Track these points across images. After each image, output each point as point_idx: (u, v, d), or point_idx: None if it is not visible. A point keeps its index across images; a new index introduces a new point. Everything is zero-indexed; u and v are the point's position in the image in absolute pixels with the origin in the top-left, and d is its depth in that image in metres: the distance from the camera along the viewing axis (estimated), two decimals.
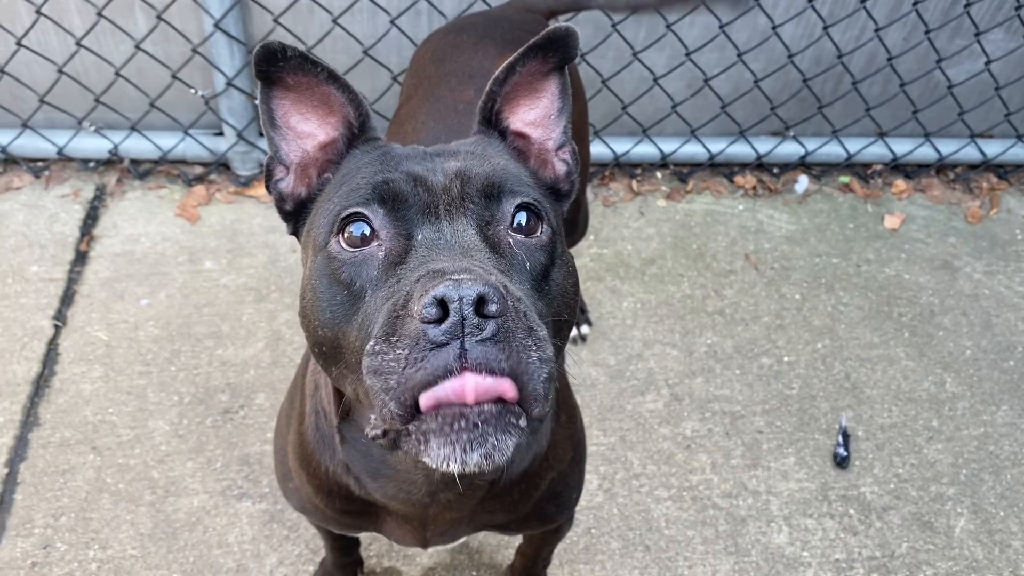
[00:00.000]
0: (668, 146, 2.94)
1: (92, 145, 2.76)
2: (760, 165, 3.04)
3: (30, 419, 2.23)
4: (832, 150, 3.02)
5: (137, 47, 2.48)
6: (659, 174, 3.02)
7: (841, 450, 2.32)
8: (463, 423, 0.78)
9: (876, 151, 3.03)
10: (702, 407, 2.40)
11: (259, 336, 2.44)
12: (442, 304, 0.77)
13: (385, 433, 0.85)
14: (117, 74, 2.55)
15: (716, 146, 2.96)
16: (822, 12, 2.65)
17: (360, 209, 0.94)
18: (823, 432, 2.38)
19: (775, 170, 3.06)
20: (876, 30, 2.70)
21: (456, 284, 0.77)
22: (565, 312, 0.98)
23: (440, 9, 2.53)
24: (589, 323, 2.53)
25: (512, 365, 0.79)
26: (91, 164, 2.82)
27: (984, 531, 2.19)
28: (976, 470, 2.32)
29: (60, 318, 2.44)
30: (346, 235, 0.93)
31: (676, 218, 2.89)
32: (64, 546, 2.03)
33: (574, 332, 2.46)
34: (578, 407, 1.50)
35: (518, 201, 0.95)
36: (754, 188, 3.00)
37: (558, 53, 1.04)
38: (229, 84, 2.58)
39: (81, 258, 2.59)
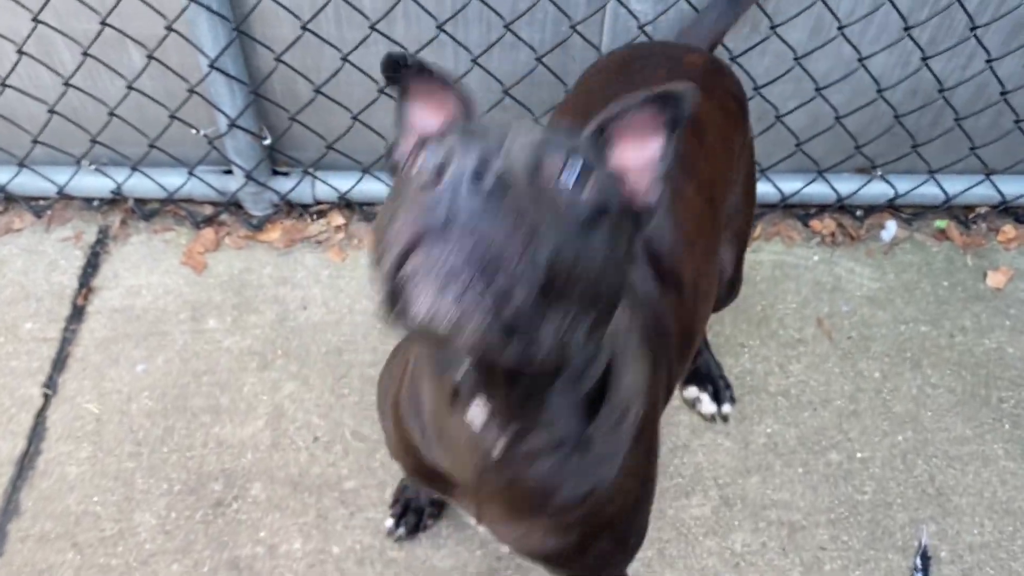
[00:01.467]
0: None
1: (95, 184, 2.54)
2: (842, 207, 2.63)
3: (10, 507, 2.05)
4: (927, 191, 2.59)
5: (129, 87, 2.23)
6: None
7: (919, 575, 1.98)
8: (431, 269, 0.76)
9: (981, 192, 2.59)
10: (756, 514, 2.07)
11: (260, 412, 2.21)
12: (448, 155, 0.77)
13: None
14: (111, 114, 2.30)
15: (790, 185, 2.57)
16: (921, 40, 2.22)
17: (440, 132, 0.95)
18: (898, 550, 2.03)
19: (858, 213, 2.64)
20: (988, 61, 2.25)
21: (463, 151, 0.77)
22: (597, 284, 0.91)
23: (464, 44, 2.19)
24: (732, 399, 2.24)
25: (497, 232, 0.75)
26: (95, 203, 2.61)
27: None
28: None
29: (51, 385, 2.25)
30: (421, 158, 0.91)
31: None
32: None
33: (711, 408, 2.21)
34: (657, 446, 1.45)
35: (573, 151, 0.91)
36: (833, 235, 2.60)
37: (670, 109, 1.00)
38: (232, 125, 2.31)
39: (78, 314, 2.39)
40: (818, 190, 2.58)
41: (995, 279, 2.50)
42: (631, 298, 1.23)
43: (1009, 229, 2.63)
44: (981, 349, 2.38)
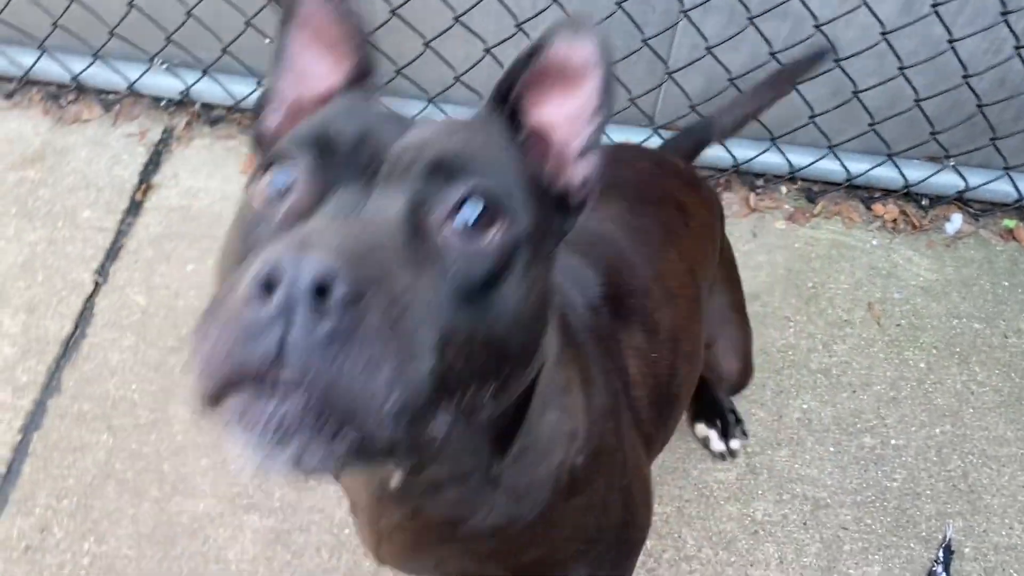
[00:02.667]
0: (799, 158, 2.51)
1: (165, 83, 2.57)
2: (907, 194, 2.57)
3: (52, 384, 2.11)
4: (1000, 187, 2.51)
5: None
6: (784, 189, 2.60)
7: (939, 569, 1.95)
8: (257, 415, 0.60)
9: None
10: (781, 486, 2.06)
11: None
12: (272, 278, 0.59)
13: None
14: (188, 13, 2.32)
15: (857, 166, 2.51)
16: (1017, 28, 2.14)
17: (288, 145, 0.78)
18: (921, 541, 2.00)
19: (924, 202, 2.58)
20: None
21: (300, 250, 0.59)
22: (511, 340, 0.76)
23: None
24: (744, 433, 2.11)
25: (340, 381, 0.59)
26: (163, 103, 2.64)
27: None
28: None
29: (102, 273, 2.29)
30: (268, 180, 0.77)
31: (795, 246, 2.48)
32: (61, 533, 1.91)
33: (720, 446, 2.07)
34: (629, 496, 1.24)
35: (470, 186, 0.74)
36: (895, 221, 2.54)
37: (585, 44, 0.84)
38: None
39: (135, 208, 2.43)
40: (885, 173, 2.52)
41: None
42: (563, 334, 1.06)
43: None
44: None
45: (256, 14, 2.30)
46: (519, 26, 2.20)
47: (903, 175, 2.51)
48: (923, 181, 2.51)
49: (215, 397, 0.63)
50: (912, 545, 2.00)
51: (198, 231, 2.38)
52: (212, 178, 2.50)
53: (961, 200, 2.57)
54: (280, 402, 0.59)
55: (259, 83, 2.50)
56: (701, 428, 2.11)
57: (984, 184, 2.50)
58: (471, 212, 0.74)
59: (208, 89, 2.54)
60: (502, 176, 0.79)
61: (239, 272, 0.65)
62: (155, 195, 2.46)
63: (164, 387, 2.11)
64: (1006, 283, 2.46)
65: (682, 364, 1.50)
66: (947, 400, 2.22)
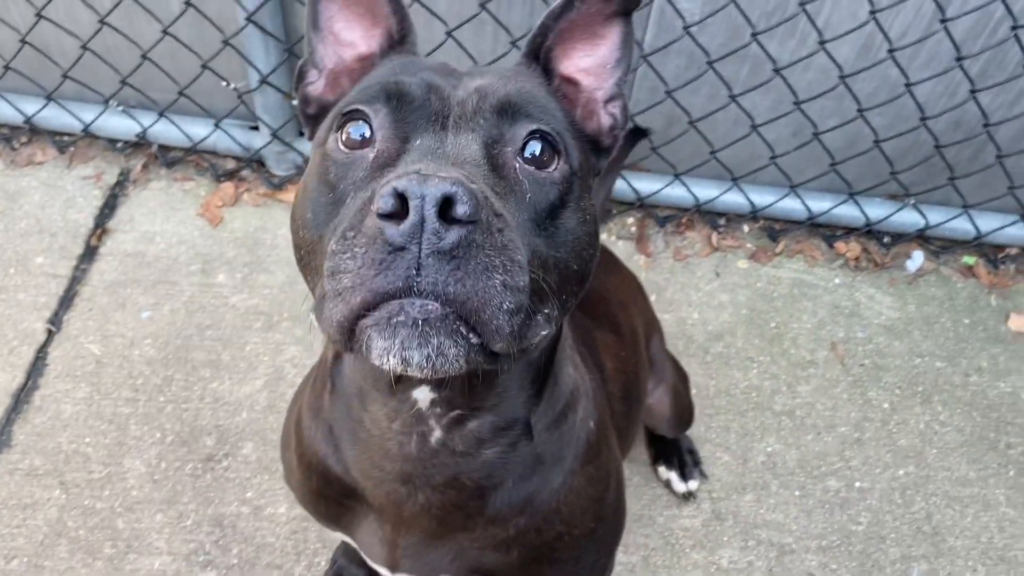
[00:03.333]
0: (761, 198, 2.52)
1: (121, 125, 2.52)
2: (869, 232, 2.58)
3: (2, 438, 2.05)
4: (959, 225, 2.53)
5: (165, 31, 2.21)
6: (746, 228, 2.60)
7: None
8: (403, 319, 0.70)
9: (1013, 232, 2.54)
10: (746, 532, 2.04)
11: (260, 372, 2.19)
12: (402, 199, 0.68)
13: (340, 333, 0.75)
14: (144, 56, 2.28)
15: (819, 204, 2.52)
16: (971, 72, 2.16)
17: (361, 106, 0.86)
18: None
19: (886, 239, 2.59)
20: None
21: (422, 179, 0.68)
22: (574, 261, 0.87)
23: (506, 24, 2.15)
24: (702, 474, 2.11)
25: (469, 288, 0.70)
26: (119, 145, 2.59)
27: None
28: None
29: (55, 322, 2.24)
30: (344, 135, 0.86)
31: (757, 285, 2.48)
32: None
33: (681, 487, 2.06)
34: (619, 473, 1.32)
35: (533, 127, 0.86)
36: (857, 259, 2.55)
37: None
38: (263, 81, 2.28)
39: (90, 253, 2.38)
40: (847, 212, 2.53)
41: (1017, 323, 2.45)
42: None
43: None
44: (995, 392, 2.33)
45: (212, 58, 2.27)
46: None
47: (864, 213, 2.52)
48: (884, 219, 2.52)
49: (357, 318, 0.72)
50: None
51: (154, 277, 2.34)
52: (168, 221, 2.46)
53: (922, 238, 2.59)
54: (422, 306, 0.70)
55: (217, 125, 2.47)
56: (663, 471, 2.10)
57: (944, 222, 2.52)
58: (536, 147, 0.85)
59: (165, 131, 2.50)
60: (554, 117, 0.90)
61: (344, 215, 0.78)
62: (111, 239, 2.41)
63: (118, 440, 2.06)
64: (967, 320, 2.47)
65: (642, 365, 1.61)
66: (911, 441, 2.22)
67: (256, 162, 2.57)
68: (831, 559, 2.02)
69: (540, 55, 0.98)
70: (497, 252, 0.71)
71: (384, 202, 0.68)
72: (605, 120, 1.02)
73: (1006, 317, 2.48)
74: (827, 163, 2.40)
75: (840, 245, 2.57)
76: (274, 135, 2.43)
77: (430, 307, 0.70)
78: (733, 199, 2.52)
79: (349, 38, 1.00)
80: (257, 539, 1.94)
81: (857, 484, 2.14)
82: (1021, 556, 2.06)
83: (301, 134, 2.53)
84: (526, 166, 0.84)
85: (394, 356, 0.71)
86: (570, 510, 1.15)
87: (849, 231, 2.59)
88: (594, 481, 1.19)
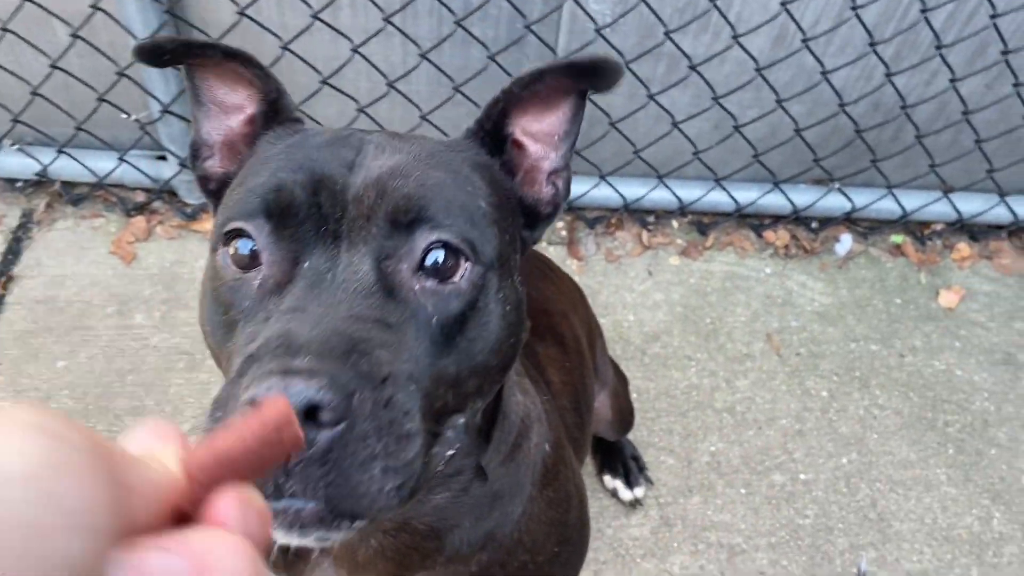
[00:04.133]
0: (688, 192, 2.50)
1: (18, 164, 2.40)
2: (796, 219, 2.58)
3: None
4: (884, 205, 2.55)
5: (53, 65, 2.09)
6: (675, 223, 2.58)
7: None
8: (280, 513, 0.67)
9: (938, 209, 2.56)
10: (696, 536, 2.03)
11: (187, 415, 2.10)
12: None
13: None
14: (34, 93, 2.16)
15: (745, 195, 2.51)
16: (885, 56, 2.16)
17: (242, 224, 0.79)
18: None
19: (814, 225, 2.60)
20: (952, 80, 2.20)
21: (282, 385, 0.62)
22: (493, 359, 0.84)
23: (414, 38, 2.08)
24: (649, 480, 2.08)
25: (343, 487, 0.66)
26: (18, 184, 2.46)
27: None
28: None
29: None
30: (232, 250, 0.80)
31: (690, 281, 2.46)
32: None
33: (628, 495, 2.03)
34: (580, 490, 1.29)
35: (433, 238, 0.79)
36: (786, 246, 2.55)
37: (592, 80, 0.90)
38: (164, 111, 2.18)
39: None
40: (773, 201, 2.52)
41: (947, 298, 2.48)
42: None
43: (964, 247, 2.60)
44: (930, 371, 2.35)
45: (108, 90, 2.16)
46: (390, 85, 2.12)
47: (791, 201, 2.52)
48: (811, 205, 2.52)
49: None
50: None
51: (67, 322, 2.23)
52: (79, 262, 2.34)
53: (850, 220, 2.60)
54: (295, 509, 0.67)
55: (121, 158, 2.36)
56: (608, 480, 2.08)
57: (870, 204, 2.53)
58: (437, 257, 0.78)
59: (67, 166, 2.38)
60: (462, 215, 0.82)
61: (232, 347, 0.77)
62: (17, 287, 2.29)
63: None
64: (898, 300, 2.49)
65: (589, 374, 1.59)
66: (851, 427, 2.23)
67: (167, 192, 2.46)
68: (781, 555, 2.02)
69: (494, 120, 0.93)
70: (377, 436, 0.67)
71: (248, 399, 0.63)
72: (547, 190, 0.98)
73: (936, 294, 2.51)
74: (750, 154, 2.39)
75: (769, 234, 2.56)
76: (182, 163, 2.33)
77: (302, 509, 0.67)
78: (660, 196, 2.49)
79: (234, 101, 0.95)
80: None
81: (801, 476, 2.14)
82: (965, 534, 2.08)
83: None
84: (426, 282, 0.78)
85: (283, 537, 0.69)
86: (532, 538, 1.13)
87: (777, 219, 2.59)
88: (554, 504, 1.17)
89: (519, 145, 0.96)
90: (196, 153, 0.97)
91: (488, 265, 0.82)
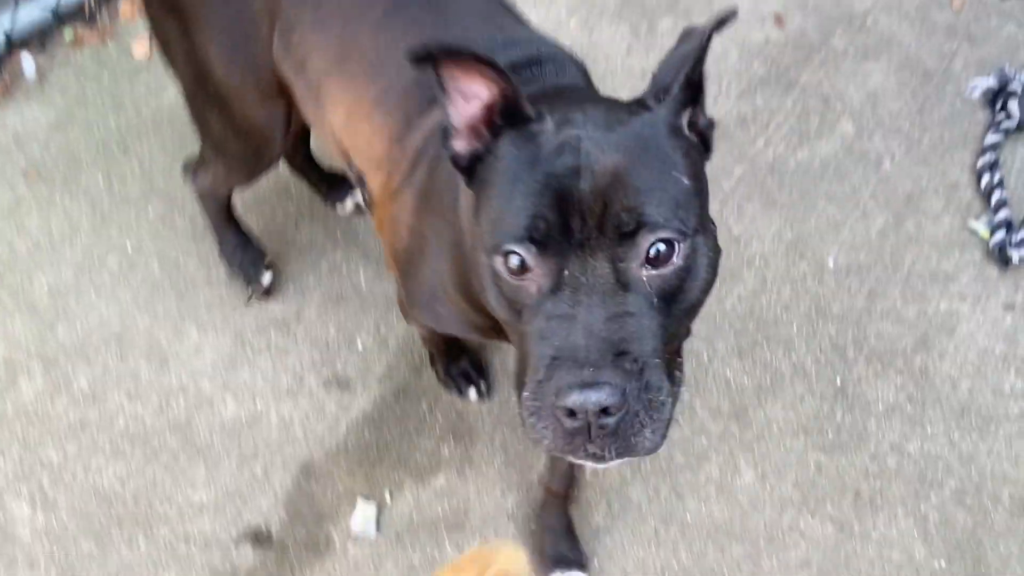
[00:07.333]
0: None
1: None
2: None
3: None
4: (33, 14, 2.61)
5: None
6: None
7: None
8: (591, 459, 1.09)
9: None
10: None
11: None
12: (576, 411, 1.02)
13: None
14: None
15: None
16: None
17: (514, 248, 1.07)
18: None
19: None
20: None
21: (584, 396, 1.00)
22: (704, 296, 1.13)
23: None
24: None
25: (627, 444, 1.05)
26: None
27: None
28: None
29: None
30: (507, 262, 1.09)
31: None
32: None
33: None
34: None
35: (653, 239, 1.05)
36: None
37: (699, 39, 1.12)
38: None
39: None
40: None
41: (140, 49, 2.67)
42: None
43: (126, 8, 2.76)
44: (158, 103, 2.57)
45: None
46: None
47: None
48: None
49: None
50: None
51: None
52: None
53: (15, 46, 2.62)
54: (599, 444, 1.05)
55: None
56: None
57: (23, 19, 2.57)
58: (658, 250, 1.06)
59: None
60: (671, 204, 1.07)
61: (523, 329, 1.11)
62: None
63: None
64: (106, 76, 2.63)
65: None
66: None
67: None
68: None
69: (670, 87, 1.13)
70: (645, 411, 1.04)
71: (562, 412, 1.03)
72: (703, 122, 1.20)
73: (130, 53, 2.68)
74: None
75: None
76: None
77: (603, 457, 1.07)
78: None
79: (474, 90, 1.13)
80: None
81: None
82: None
83: None
84: (652, 271, 1.06)
85: (599, 462, 1.09)
86: None
87: None
88: None
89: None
90: (447, 136, 1.18)
91: (695, 232, 1.08)
